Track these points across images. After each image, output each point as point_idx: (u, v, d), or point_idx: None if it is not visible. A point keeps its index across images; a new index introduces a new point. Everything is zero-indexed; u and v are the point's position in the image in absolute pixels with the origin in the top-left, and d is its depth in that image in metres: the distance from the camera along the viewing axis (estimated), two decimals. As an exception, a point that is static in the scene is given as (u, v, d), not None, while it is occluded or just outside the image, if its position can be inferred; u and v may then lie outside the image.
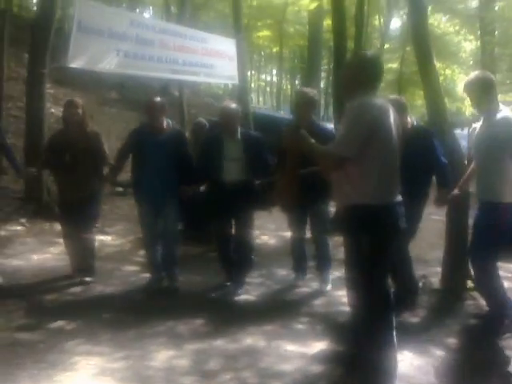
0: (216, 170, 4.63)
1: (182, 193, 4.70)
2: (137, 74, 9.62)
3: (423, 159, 4.15)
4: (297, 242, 4.99)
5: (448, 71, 23.14)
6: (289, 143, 3.06)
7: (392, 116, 2.94)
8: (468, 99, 3.95)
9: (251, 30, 24.38)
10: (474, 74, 3.91)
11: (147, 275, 5.00)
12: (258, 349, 3.55)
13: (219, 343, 3.63)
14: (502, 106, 3.80)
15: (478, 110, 3.95)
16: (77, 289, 4.79)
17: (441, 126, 4.73)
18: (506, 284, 4.77)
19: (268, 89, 40.60)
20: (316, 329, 3.94)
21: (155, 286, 4.82)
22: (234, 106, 4.75)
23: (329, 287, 4.85)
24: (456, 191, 4.20)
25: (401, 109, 4.05)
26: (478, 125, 4.01)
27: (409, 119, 4.31)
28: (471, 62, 23.79)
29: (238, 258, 4.87)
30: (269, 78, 40.40)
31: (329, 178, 3.05)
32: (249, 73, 28.81)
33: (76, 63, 8.32)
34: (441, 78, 21.68)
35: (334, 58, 8.01)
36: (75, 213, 4.84)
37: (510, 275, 5.02)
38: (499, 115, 3.73)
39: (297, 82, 33.47)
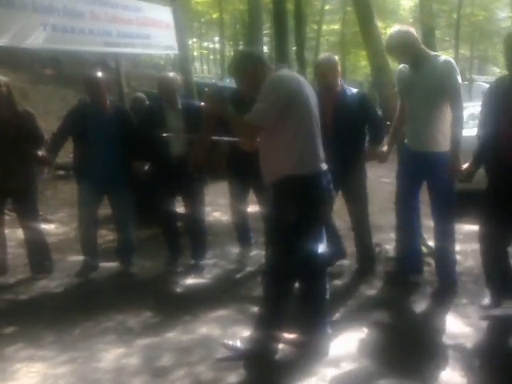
0: (159, 143, 4.37)
1: (136, 170, 4.45)
2: (68, 48, 9.05)
3: (358, 122, 4.07)
4: (236, 213, 4.84)
5: (388, 30, 23.13)
6: (207, 107, 2.99)
7: (307, 86, 3.00)
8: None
9: (189, -4, 23.64)
10: (394, 31, 3.75)
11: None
12: (213, 338, 3.37)
13: (172, 335, 3.43)
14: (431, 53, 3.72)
15: (407, 63, 3.81)
16: (16, 287, 4.45)
17: (384, 85, 4.65)
18: (458, 246, 4.81)
19: (212, 57, 39.77)
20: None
21: (86, 271, 4.61)
22: (172, 74, 4.53)
23: None
24: (385, 147, 4.11)
25: (331, 68, 4.02)
26: (406, 69, 3.86)
27: (339, 80, 4.16)
28: (411, 20, 23.89)
29: (192, 238, 4.71)
30: (212, 46, 39.51)
31: (247, 148, 3.08)
32: (190, 41, 28.12)
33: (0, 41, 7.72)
34: (382, 37, 21.81)
35: (273, 22, 7.75)
36: (15, 204, 4.57)
37: (461, 237, 5.02)
38: (440, 59, 3.63)
39: (240, 48, 32.86)
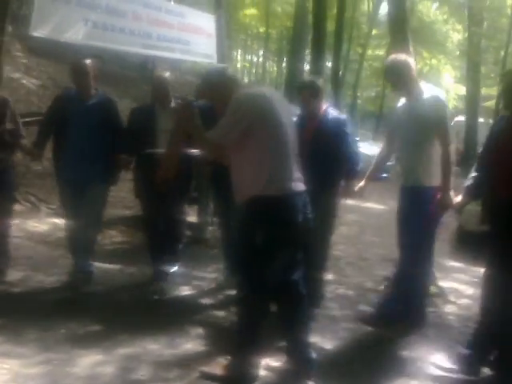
0: (148, 142, 4.19)
1: (118, 164, 4.27)
2: (106, 46, 9.16)
3: (334, 147, 3.89)
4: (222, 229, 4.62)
5: (434, 61, 22.83)
6: (178, 118, 2.93)
7: (280, 104, 2.91)
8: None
9: (238, 7, 23.83)
10: (390, 58, 3.79)
11: (96, 264, 4.61)
12: (196, 356, 3.21)
13: (154, 348, 3.30)
14: (424, 86, 3.66)
15: (400, 93, 3.83)
16: (11, 279, 4.34)
17: None
18: (472, 290, 4.57)
19: (254, 70, 39.98)
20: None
21: (76, 280, 4.32)
22: (166, 74, 4.34)
23: None
24: (363, 182, 4.01)
25: (314, 92, 3.91)
26: (400, 106, 3.84)
27: (323, 105, 4.02)
28: (457, 53, 23.56)
29: (170, 238, 4.49)
30: (255, 59, 39.76)
31: (211, 159, 3.09)
32: (234, 53, 28.35)
33: (39, 32, 7.87)
34: (426, 68, 21.52)
35: (312, 39, 7.67)
36: None
37: (476, 280, 4.77)
38: (426, 95, 3.56)
39: (283, 64, 32.94)
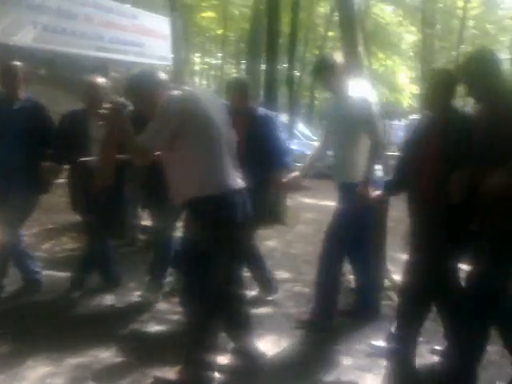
0: (80, 150, 3.99)
1: (43, 172, 3.99)
2: (57, 49, 8.96)
3: (263, 144, 3.92)
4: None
5: (389, 62, 23.28)
6: (108, 124, 2.85)
7: (211, 103, 2.90)
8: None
9: (195, 10, 23.71)
10: (319, 57, 3.80)
11: (48, 272, 4.53)
12: (151, 363, 3.13)
13: (105, 356, 3.22)
14: (355, 84, 3.70)
15: (329, 92, 3.88)
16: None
17: None
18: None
19: (213, 72, 39.84)
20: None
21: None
22: (100, 80, 4.15)
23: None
24: (295, 175, 3.95)
25: (240, 89, 3.95)
26: (331, 103, 3.93)
27: (250, 103, 4.06)
28: (412, 54, 24.10)
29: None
30: (214, 62, 39.63)
31: (140, 165, 2.99)
32: (193, 55, 28.17)
33: (-14, 35, 7.60)
34: (382, 69, 21.88)
35: (266, 42, 7.70)
36: None
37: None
38: (353, 94, 3.61)
39: (242, 66, 32.97)
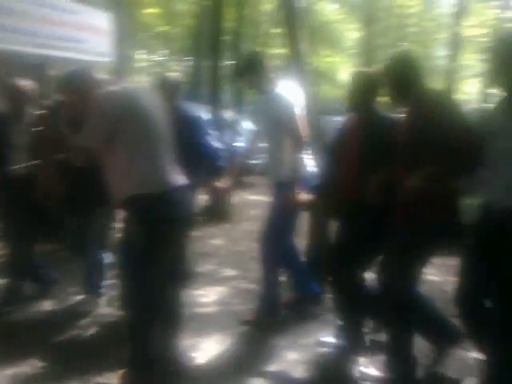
0: (2, 157, 3.82)
1: None
2: (-9, 46, 8.58)
3: (191, 143, 3.92)
4: None
5: (330, 59, 23.64)
6: (42, 130, 2.87)
7: (147, 99, 2.85)
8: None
9: (138, 6, 23.29)
10: (244, 56, 4.00)
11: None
12: (92, 367, 3.08)
13: (45, 364, 3.12)
14: (280, 83, 3.75)
15: (254, 90, 3.92)
16: None
17: None
18: (438, 278, 4.64)
19: (159, 69, 39.26)
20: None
21: None
22: (25, 82, 3.95)
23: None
24: (226, 180, 3.96)
25: (169, 87, 3.96)
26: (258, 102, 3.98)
27: (178, 101, 4.10)
28: (354, 51, 24.55)
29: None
30: (159, 59, 39.06)
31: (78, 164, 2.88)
32: (136, 52, 27.63)
33: None
34: (324, 66, 22.19)
35: (210, 37, 7.68)
36: None
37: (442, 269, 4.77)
38: (275, 94, 3.68)
39: (187, 63, 32.67)
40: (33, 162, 3.68)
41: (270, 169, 3.81)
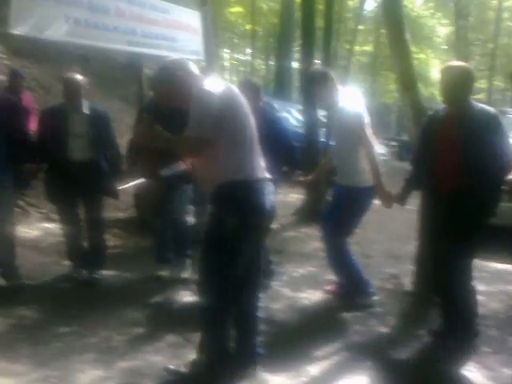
0: (58, 146, 4.14)
1: (21, 174, 4.14)
2: (89, 44, 8.88)
3: (271, 138, 3.89)
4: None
5: (422, 56, 22.76)
6: (141, 141, 2.86)
7: (240, 95, 2.87)
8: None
9: (223, 5, 23.58)
10: (311, 71, 4.29)
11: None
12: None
13: (157, 360, 3.08)
14: (342, 93, 3.91)
15: (323, 102, 4.15)
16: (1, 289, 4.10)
17: (412, 107, 4.44)
18: (481, 286, 4.38)
19: (242, 68, 39.67)
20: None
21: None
22: (77, 76, 4.24)
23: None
24: (311, 176, 4.40)
25: (253, 88, 4.04)
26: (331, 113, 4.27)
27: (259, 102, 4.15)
28: (445, 47, 23.56)
29: (91, 247, 4.46)
30: (243, 58, 39.43)
31: (192, 164, 2.97)
32: (222, 51, 28.06)
33: (19, 30, 7.55)
34: (415, 63, 21.56)
35: (302, 36, 7.49)
36: None
37: (485, 274, 4.63)
38: (343, 104, 3.83)
39: (270, 62, 32.75)
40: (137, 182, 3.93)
41: (341, 173, 3.99)
